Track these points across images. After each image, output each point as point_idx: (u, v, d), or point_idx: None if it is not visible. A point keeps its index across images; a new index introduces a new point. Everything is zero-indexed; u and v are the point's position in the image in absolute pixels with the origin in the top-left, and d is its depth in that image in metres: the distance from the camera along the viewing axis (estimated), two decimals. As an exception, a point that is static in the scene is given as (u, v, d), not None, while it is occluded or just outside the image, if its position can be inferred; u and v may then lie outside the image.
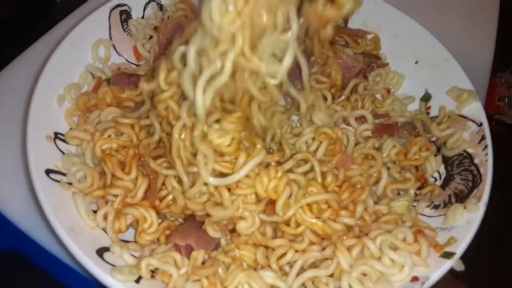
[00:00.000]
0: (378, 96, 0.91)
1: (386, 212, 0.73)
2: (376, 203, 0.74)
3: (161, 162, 0.71)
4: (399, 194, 0.77)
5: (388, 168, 0.78)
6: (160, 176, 0.71)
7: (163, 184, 0.71)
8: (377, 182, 0.77)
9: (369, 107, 0.87)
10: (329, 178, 0.74)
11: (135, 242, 0.68)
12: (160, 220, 0.70)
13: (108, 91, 0.80)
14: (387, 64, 0.95)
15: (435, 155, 0.81)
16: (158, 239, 0.69)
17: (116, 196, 0.69)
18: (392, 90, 0.93)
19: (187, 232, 0.66)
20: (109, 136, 0.73)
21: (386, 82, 0.93)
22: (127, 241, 0.68)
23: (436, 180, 0.79)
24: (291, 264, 0.67)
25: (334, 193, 0.72)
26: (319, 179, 0.73)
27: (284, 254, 0.67)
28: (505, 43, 1.34)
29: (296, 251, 0.68)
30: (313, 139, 0.79)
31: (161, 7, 0.94)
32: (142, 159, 0.71)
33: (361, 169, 0.76)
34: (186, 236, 0.65)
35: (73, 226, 0.63)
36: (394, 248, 0.65)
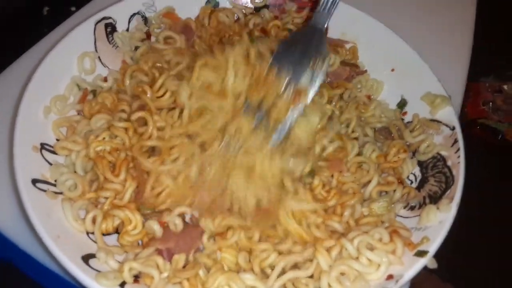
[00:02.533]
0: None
1: (367, 214, 0.76)
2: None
3: (154, 161, 0.75)
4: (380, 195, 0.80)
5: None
6: (153, 175, 0.73)
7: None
8: (364, 186, 0.81)
9: (353, 113, 0.90)
10: (316, 181, 0.77)
11: (119, 246, 0.70)
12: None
13: (107, 96, 0.83)
14: (366, 71, 0.99)
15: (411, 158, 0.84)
16: (142, 243, 0.71)
17: (107, 198, 0.72)
18: (373, 96, 0.96)
19: (167, 236, 0.69)
20: (104, 138, 0.76)
21: (367, 89, 0.96)
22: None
23: (412, 182, 0.82)
24: (272, 268, 0.69)
25: (320, 199, 0.75)
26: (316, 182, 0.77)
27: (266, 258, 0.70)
28: (487, 49, 1.39)
29: (280, 253, 0.70)
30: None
31: (145, 20, 0.97)
32: (135, 161, 0.75)
33: (353, 177, 0.80)
34: (166, 241, 0.68)
35: (59, 234, 0.65)
36: (371, 248, 0.67)
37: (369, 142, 0.85)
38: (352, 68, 0.98)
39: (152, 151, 0.78)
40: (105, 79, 0.89)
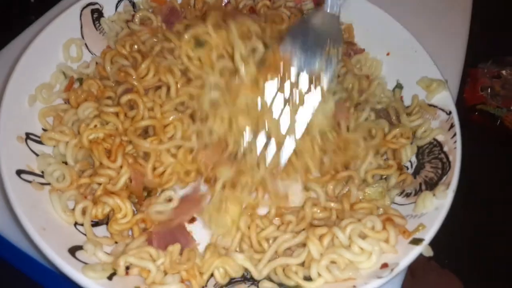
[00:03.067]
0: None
1: (362, 198, 0.75)
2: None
3: (152, 140, 0.74)
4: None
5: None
6: (152, 155, 0.73)
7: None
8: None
9: (356, 88, 0.87)
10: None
11: (109, 236, 0.69)
12: (135, 212, 0.71)
13: (93, 83, 0.81)
14: (364, 50, 0.96)
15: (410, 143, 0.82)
16: (132, 234, 0.70)
17: (100, 184, 0.71)
18: (371, 77, 0.94)
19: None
20: (95, 126, 0.74)
21: (366, 68, 0.94)
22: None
23: (408, 169, 0.80)
24: (267, 241, 0.70)
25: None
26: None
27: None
28: (486, 35, 1.37)
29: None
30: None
31: (133, 4, 0.94)
32: (131, 143, 0.74)
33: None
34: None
35: (45, 226, 0.63)
36: (363, 237, 0.66)
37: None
38: (348, 46, 0.96)
39: (145, 133, 0.76)
40: (88, 65, 0.87)
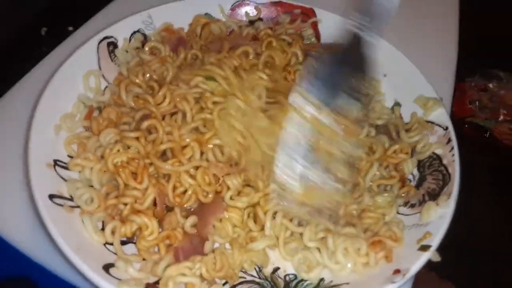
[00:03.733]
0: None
1: (371, 205, 0.81)
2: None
3: (172, 163, 0.78)
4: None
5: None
6: (173, 177, 0.77)
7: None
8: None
9: None
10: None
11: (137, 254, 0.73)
12: (160, 230, 0.76)
13: (111, 111, 0.86)
14: None
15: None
16: (158, 249, 0.74)
17: (126, 205, 0.75)
18: (374, 96, 0.98)
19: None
20: (118, 150, 0.79)
21: (366, 87, 0.99)
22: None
23: (411, 181, 0.86)
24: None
25: None
26: None
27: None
28: (472, 50, 1.44)
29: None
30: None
31: (145, 37, 1.00)
32: (152, 165, 0.79)
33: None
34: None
35: (78, 246, 0.67)
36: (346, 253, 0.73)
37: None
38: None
39: (163, 156, 0.81)
40: (103, 93, 0.92)
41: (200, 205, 0.79)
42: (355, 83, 0.73)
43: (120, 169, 0.76)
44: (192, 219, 0.77)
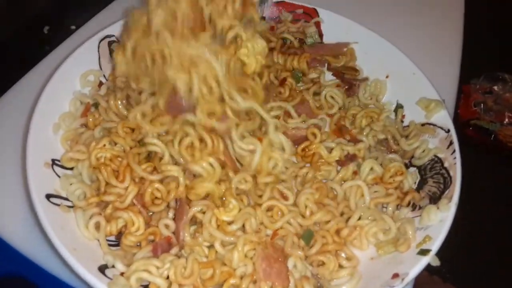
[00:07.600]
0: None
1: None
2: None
3: (146, 167, 0.76)
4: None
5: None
6: (146, 183, 0.76)
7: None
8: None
9: (364, 123, 0.92)
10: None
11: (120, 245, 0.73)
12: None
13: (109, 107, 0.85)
14: (367, 78, 1.01)
15: (409, 167, 0.86)
16: (140, 244, 0.73)
17: (108, 202, 0.74)
18: (379, 97, 0.98)
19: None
20: (104, 145, 0.78)
21: (371, 91, 0.99)
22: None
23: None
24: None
25: None
26: None
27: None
28: (477, 52, 1.43)
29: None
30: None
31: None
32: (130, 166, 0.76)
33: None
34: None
35: (75, 246, 0.67)
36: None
37: (370, 158, 0.85)
38: (352, 74, 1.01)
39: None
40: (99, 85, 0.91)
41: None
42: None
43: (102, 167, 0.76)
44: (166, 221, 0.75)
